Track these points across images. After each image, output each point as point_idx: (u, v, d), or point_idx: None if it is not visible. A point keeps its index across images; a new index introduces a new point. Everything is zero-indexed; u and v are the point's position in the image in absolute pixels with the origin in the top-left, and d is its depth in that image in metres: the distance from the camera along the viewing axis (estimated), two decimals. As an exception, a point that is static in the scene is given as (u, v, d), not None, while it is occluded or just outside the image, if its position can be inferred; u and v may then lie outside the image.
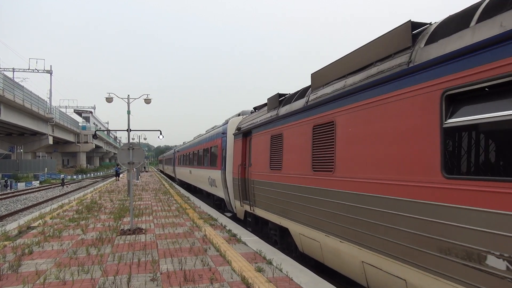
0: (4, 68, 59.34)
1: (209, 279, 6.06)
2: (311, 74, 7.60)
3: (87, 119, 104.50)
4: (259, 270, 6.46)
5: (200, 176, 21.35)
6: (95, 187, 31.36)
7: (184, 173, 30.42)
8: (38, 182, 48.07)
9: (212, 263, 7.01)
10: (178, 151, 36.65)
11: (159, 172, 74.78)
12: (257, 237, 9.56)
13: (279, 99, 9.69)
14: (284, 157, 8.40)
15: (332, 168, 6.24)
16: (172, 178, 45.46)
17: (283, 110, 8.95)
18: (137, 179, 38.64)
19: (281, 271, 6.39)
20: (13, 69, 62.87)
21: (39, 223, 11.91)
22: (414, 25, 4.89)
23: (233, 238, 9.33)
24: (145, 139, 50.19)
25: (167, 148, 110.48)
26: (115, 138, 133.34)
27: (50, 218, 13.02)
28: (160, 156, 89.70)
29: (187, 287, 5.68)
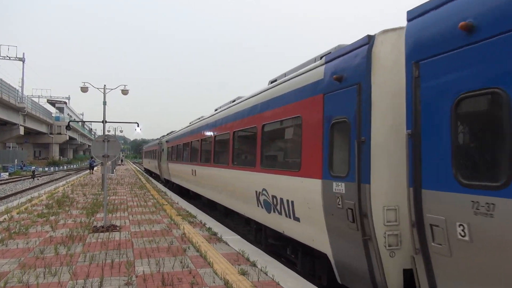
0: (-28, 54, 56.56)
1: (190, 283, 5.60)
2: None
3: (61, 109, 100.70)
4: (243, 273, 6.05)
5: None
6: (68, 180, 30.19)
7: None
8: (7, 174, 46.02)
9: (192, 265, 6.55)
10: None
11: (139, 169, 54.59)
12: (239, 236, 9.16)
13: None
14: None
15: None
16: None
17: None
18: (112, 172, 37.54)
19: (267, 275, 6.00)
20: (-18, 55, 60.24)
21: (5, 218, 11.12)
22: None
23: (213, 237, 8.88)
24: (121, 131, 48.44)
25: (144, 142, 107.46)
26: (90, 130, 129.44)
27: (17, 213, 12.21)
28: (146, 146, 53.54)
29: (165, 292, 5.21)
